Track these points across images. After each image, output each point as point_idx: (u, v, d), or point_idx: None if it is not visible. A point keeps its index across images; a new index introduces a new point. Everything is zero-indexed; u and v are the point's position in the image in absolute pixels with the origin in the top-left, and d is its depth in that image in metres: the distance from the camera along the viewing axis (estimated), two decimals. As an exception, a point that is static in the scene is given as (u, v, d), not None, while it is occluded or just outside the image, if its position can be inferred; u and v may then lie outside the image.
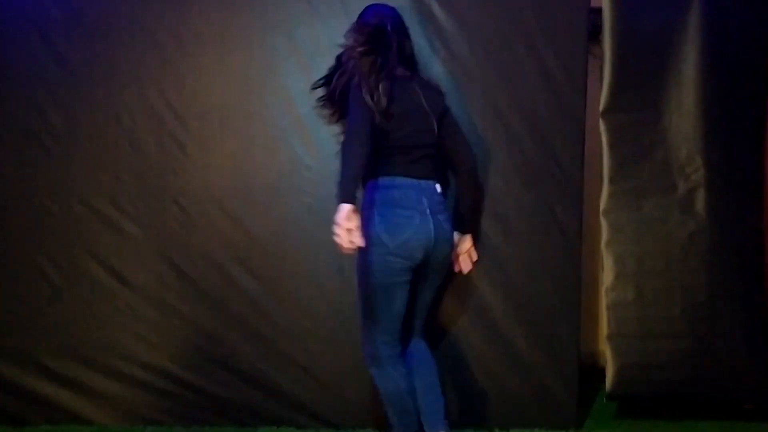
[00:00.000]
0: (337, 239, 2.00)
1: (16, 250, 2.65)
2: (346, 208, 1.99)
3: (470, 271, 2.51)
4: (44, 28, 2.62)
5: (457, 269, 2.49)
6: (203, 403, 2.68)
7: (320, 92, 2.42)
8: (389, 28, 2.25)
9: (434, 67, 2.64)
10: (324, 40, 2.59)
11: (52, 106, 2.64)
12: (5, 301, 2.65)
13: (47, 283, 2.66)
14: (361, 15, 2.33)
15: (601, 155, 2.74)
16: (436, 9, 2.64)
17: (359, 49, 2.17)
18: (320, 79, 2.38)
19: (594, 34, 2.76)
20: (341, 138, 2.25)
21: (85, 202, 2.65)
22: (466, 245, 2.48)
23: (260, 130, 2.65)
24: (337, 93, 2.25)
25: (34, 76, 2.62)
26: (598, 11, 2.73)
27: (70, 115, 2.64)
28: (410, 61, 2.33)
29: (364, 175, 2.16)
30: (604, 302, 2.76)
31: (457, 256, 2.46)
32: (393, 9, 2.34)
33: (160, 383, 2.68)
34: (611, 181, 2.74)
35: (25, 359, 2.65)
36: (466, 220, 2.47)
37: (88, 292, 2.67)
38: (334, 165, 2.64)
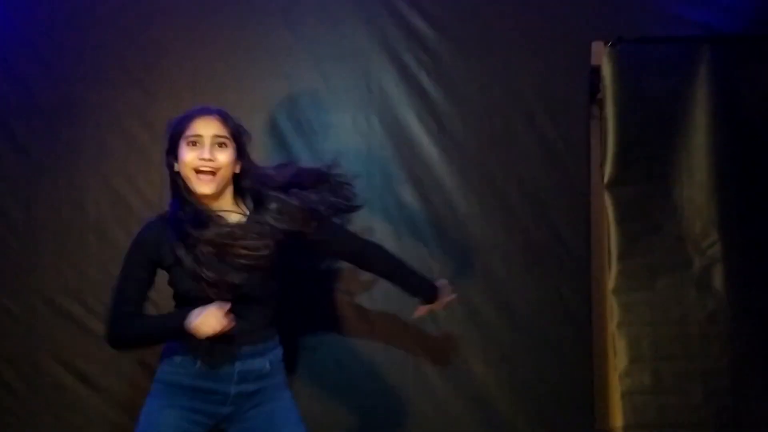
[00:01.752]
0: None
1: (-28, 355, 2.44)
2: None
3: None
4: (2, 115, 2.45)
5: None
6: None
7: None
8: None
9: (426, 145, 2.47)
10: (307, 120, 2.47)
11: (11, 200, 2.48)
12: (-39, 412, 2.43)
13: (6, 391, 2.47)
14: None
15: (608, 231, 2.56)
16: (426, 83, 2.49)
17: None
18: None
19: (594, 94, 2.60)
20: None
21: (49, 301, 2.47)
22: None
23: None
24: None
25: (-9, 168, 2.45)
26: (599, 70, 2.57)
27: (31, 209, 2.47)
28: None
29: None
30: (618, 389, 2.55)
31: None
32: None
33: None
34: (620, 257, 2.54)
35: (-15, 478, 2.44)
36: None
37: (52, 400, 2.47)
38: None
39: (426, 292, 2.10)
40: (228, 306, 1.74)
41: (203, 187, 1.80)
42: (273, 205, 1.87)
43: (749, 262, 2.53)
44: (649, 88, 2.55)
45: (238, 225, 1.83)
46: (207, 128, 1.81)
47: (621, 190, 2.54)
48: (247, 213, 1.88)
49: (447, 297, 2.13)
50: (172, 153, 1.85)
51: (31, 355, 2.46)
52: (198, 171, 1.79)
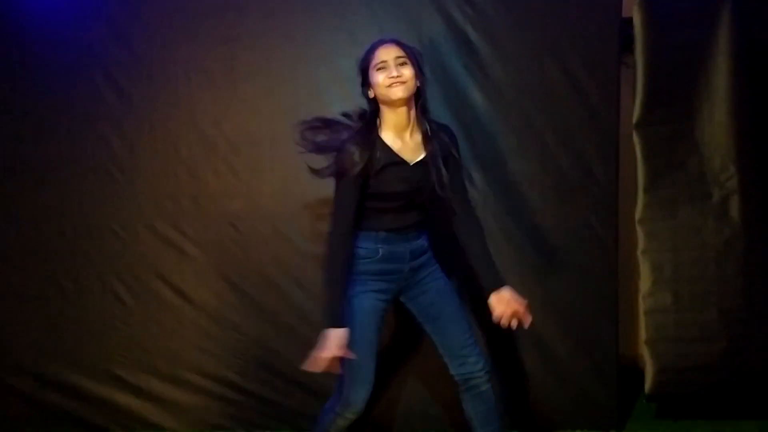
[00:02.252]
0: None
1: (90, 272, 2.88)
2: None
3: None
4: (109, 68, 2.83)
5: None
6: (262, 409, 2.89)
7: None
8: None
9: (471, 90, 2.77)
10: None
11: (117, 140, 2.85)
12: (82, 318, 2.89)
13: (117, 301, 2.89)
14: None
15: (635, 165, 2.83)
16: (471, 34, 2.76)
17: None
18: None
19: (627, 44, 2.84)
20: None
21: (150, 227, 2.87)
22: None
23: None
24: None
25: (100, 113, 2.84)
26: (630, 21, 2.81)
27: (133, 147, 2.85)
28: None
29: None
30: (641, 308, 2.86)
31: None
32: None
33: (223, 391, 2.90)
34: (646, 190, 2.83)
35: (100, 371, 2.90)
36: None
37: (154, 309, 2.89)
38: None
39: (493, 283, 2.25)
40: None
41: (397, 92, 2.13)
42: (444, 132, 2.28)
43: (763, 193, 2.78)
44: (676, 37, 2.78)
45: (416, 168, 2.21)
46: (389, 53, 2.16)
47: (648, 130, 2.81)
48: (426, 128, 2.23)
49: (518, 303, 2.23)
50: (366, 83, 2.21)
51: (136, 272, 2.88)
52: (390, 86, 2.14)
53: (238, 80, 2.82)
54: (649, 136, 2.81)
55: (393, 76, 2.13)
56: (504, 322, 2.21)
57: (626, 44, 2.83)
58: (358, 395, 2.18)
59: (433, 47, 2.76)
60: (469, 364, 2.25)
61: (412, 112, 2.22)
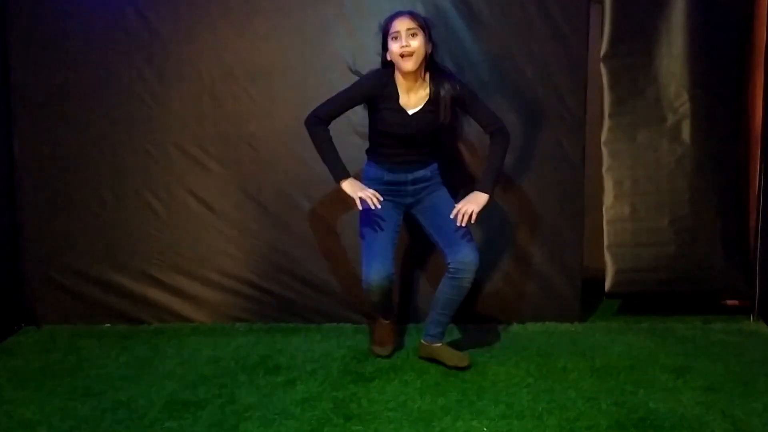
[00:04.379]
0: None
1: (127, 186, 3.30)
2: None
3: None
4: (138, 4, 3.19)
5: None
6: (277, 305, 3.34)
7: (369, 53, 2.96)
8: None
9: (458, 25, 3.15)
10: (368, 6, 3.15)
11: (147, 69, 3.22)
12: (121, 226, 3.31)
13: (151, 211, 3.31)
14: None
15: (601, 95, 3.23)
16: (459, -24, 3.14)
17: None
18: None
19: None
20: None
21: (178, 146, 3.27)
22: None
23: (315, 83, 3.19)
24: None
25: (132, 44, 3.21)
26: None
27: (162, 75, 3.23)
28: None
29: None
30: (604, 219, 3.30)
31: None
32: None
33: (242, 289, 3.35)
34: (610, 116, 3.23)
35: (137, 271, 3.34)
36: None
37: (183, 218, 3.31)
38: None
39: (477, 184, 2.72)
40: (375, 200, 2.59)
41: (407, 65, 2.60)
42: (446, 85, 2.69)
43: (711, 117, 3.19)
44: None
45: (414, 117, 2.68)
46: (402, 24, 2.60)
47: (613, 62, 3.20)
48: (430, 90, 2.69)
49: (466, 207, 2.64)
50: (384, 47, 2.67)
51: (167, 187, 3.29)
52: (401, 55, 2.59)
53: (254, 16, 3.19)
54: (614, 67, 3.21)
55: (403, 46, 2.58)
56: (455, 213, 2.64)
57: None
58: (371, 270, 2.62)
59: (426, -13, 3.14)
60: (462, 253, 2.65)
61: (420, 74, 2.68)
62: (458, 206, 2.66)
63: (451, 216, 2.66)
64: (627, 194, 3.26)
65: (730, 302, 3.45)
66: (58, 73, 3.24)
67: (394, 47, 2.61)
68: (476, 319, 3.27)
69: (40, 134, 3.27)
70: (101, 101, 3.25)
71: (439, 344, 2.79)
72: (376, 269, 2.61)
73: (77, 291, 3.34)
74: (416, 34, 2.60)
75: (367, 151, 2.85)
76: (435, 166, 2.84)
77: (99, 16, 3.21)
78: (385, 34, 2.65)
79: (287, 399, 2.47)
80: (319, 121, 2.68)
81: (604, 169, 3.27)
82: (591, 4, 3.18)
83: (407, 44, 2.58)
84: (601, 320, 3.35)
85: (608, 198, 3.28)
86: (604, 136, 3.26)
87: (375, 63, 3.14)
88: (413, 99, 2.69)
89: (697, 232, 3.23)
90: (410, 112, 2.69)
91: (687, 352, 2.86)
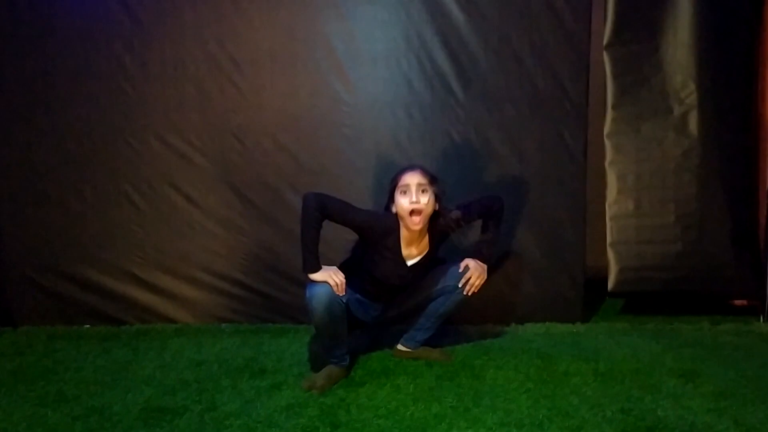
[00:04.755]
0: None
1: (107, 180, 3.15)
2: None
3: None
4: (117, -12, 3.06)
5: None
6: (265, 304, 3.20)
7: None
8: None
9: (455, 13, 3.00)
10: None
11: (129, 58, 3.08)
12: (100, 222, 3.17)
13: (133, 207, 3.17)
14: None
15: (604, 85, 3.09)
16: (455, -41, 3.00)
17: None
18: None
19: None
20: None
21: (161, 138, 3.13)
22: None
23: (304, 73, 3.06)
24: None
25: (113, 33, 3.07)
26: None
27: (143, 64, 3.09)
28: None
29: None
30: (607, 215, 3.15)
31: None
32: None
33: (229, 288, 3.20)
34: (614, 107, 3.09)
35: (118, 270, 3.19)
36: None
37: (166, 213, 3.17)
38: (369, 102, 3.06)
39: (475, 254, 2.64)
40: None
41: (415, 225, 2.47)
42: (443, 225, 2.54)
43: (720, 108, 3.05)
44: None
45: (412, 268, 2.56)
46: (413, 178, 2.47)
47: (617, 50, 3.06)
48: (430, 241, 2.57)
49: (474, 276, 2.58)
50: (391, 198, 2.52)
51: (149, 181, 3.15)
52: (411, 212, 2.45)
53: (241, 1, 3.05)
54: (618, 55, 3.06)
55: (413, 201, 2.44)
56: (464, 282, 2.57)
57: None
58: (314, 288, 2.37)
59: (420, -29, 2.99)
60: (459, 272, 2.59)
61: (424, 230, 2.53)
62: (467, 276, 2.57)
63: (460, 285, 2.58)
64: (631, 189, 3.12)
65: (738, 302, 3.30)
66: (34, 63, 3.10)
67: (404, 202, 2.47)
68: (472, 320, 3.12)
69: (15, 126, 3.13)
70: (79, 91, 3.11)
71: (421, 348, 2.74)
72: (324, 288, 2.36)
73: (55, 290, 3.20)
74: (426, 191, 2.48)
75: (350, 273, 2.51)
76: None
77: (77, 3, 3.06)
78: (394, 186, 2.51)
79: (271, 405, 2.32)
80: (319, 208, 2.41)
81: (607, 162, 3.13)
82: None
83: (417, 200, 2.45)
84: (603, 321, 3.21)
85: (611, 193, 3.14)
86: (607, 128, 3.11)
87: (367, 53, 3.02)
88: (414, 251, 2.58)
89: (704, 229, 3.08)
90: (409, 263, 2.57)
91: (695, 356, 2.71)
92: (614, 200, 3.14)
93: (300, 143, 3.11)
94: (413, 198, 2.45)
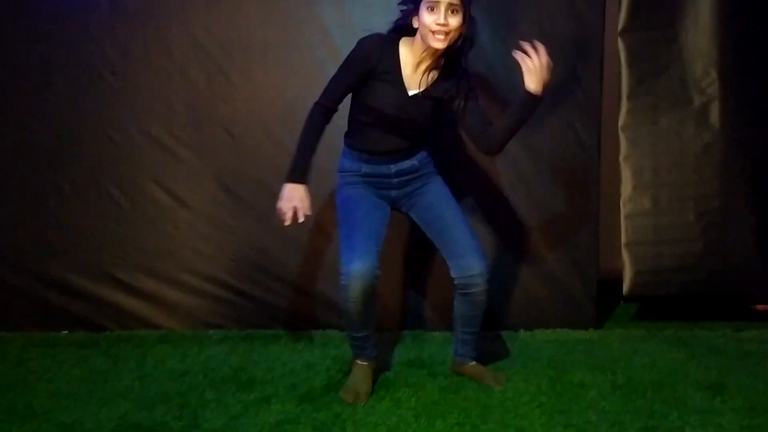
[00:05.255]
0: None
1: (86, 176, 2.94)
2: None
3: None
4: (99, -28, 2.85)
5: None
6: (256, 309, 2.99)
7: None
8: None
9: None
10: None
11: (109, 44, 2.87)
12: (79, 221, 2.95)
13: (114, 205, 2.95)
14: None
15: (618, 74, 2.89)
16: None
17: None
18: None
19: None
20: None
21: (144, 131, 2.92)
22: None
23: (298, 61, 2.86)
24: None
25: (92, 17, 2.86)
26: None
27: (126, 52, 2.88)
28: None
29: None
30: (621, 213, 2.95)
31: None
32: None
33: (218, 291, 2.99)
34: (629, 97, 2.89)
35: (98, 272, 2.98)
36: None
37: (150, 212, 2.96)
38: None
39: (525, 100, 2.27)
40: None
41: (437, 44, 2.16)
42: (460, 80, 2.29)
43: (743, 99, 2.86)
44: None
45: (413, 99, 2.26)
46: None
47: (632, 36, 2.86)
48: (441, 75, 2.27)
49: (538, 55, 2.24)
50: (413, 11, 2.18)
51: (131, 176, 2.93)
52: (434, 32, 2.15)
53: (230, -14, 2.85)
54: (634, 42, 2.86)
55: (441, 23, 2.14)
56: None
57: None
58: (352, 263, 2.17)
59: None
60: (466, 265, 2.29)
61: (440, 55, 2.25)
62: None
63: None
64: (647, 185, 2.92)
65: (761, 307, 3.10)
66: (10, 50, 2.89)
67: (428, 19, 2.16)
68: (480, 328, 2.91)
69: (-14, 119, 2.92)
70: (58, 81, 2.90)
71: (472, 363, 2.47)
72: (359, 262, 2.17)
73: (31, 294, 2.98)
74: (456, 11, 2.17)
75: (345, 135, 2.42)
76: (424, 154, 2.42)
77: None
78: (418, 1, 2.19)
79: (259, 421, 2.11)
80: (324, 111, 2.27)
81: (621, 156, 2.93)
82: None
83: (446, 22, 2.15)
84: (618, 327, 3.00)
85: (626, 189, 2.94)
86: (621, 120, 2.91)
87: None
88: (418, 78, 2.26)
89: (726, 228, 2.88)
90: (410, 92, 2.28)
91: (720, 365, 2.51)
92: (629, 197, 2.94)
93: (294, 136, 2.83)
94: (441, 19, 2.14)
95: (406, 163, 2.37)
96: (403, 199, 2.42)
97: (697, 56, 2.84)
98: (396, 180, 2.38)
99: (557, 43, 2.81)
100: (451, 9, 2.16)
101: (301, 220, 2.22)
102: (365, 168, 2.36)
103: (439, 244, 2.38)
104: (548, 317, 2.96)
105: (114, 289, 2.99)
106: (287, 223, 2.21)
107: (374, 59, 2.24)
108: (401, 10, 2.26)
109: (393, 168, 2.36)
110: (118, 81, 2.90)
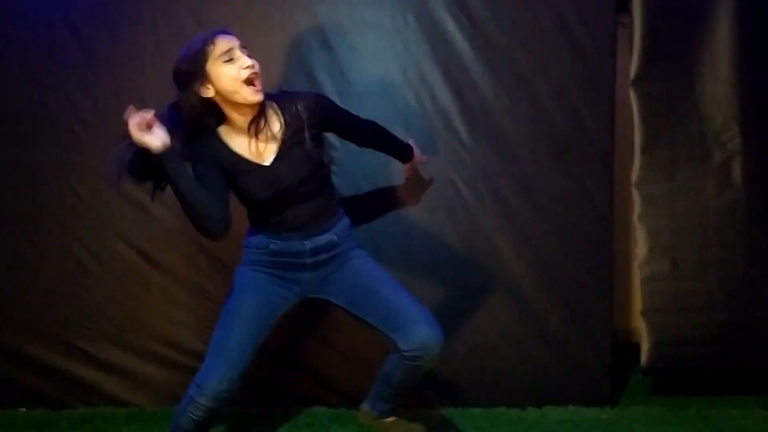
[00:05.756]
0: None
1: (49, 236, 2.70)
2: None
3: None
4: (68, 14, 2.63)
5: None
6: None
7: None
8: None
9: (459, 43, 2.60)
10: (343, 17, 2.60)
11: (78, 93, 2.66)
12: (40, 285, 2.71)
13: (79, 267, 2.71)
14: None
15: (632, 126, 2.68)
16: (459, -20, 2.60)
17: None
18: None
19: (622, 2, 2.68)
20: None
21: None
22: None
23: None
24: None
25: (61, 63, 2.64)
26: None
27: (96, 100, 2.66)
28: None
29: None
30: (637, 277, 2.71)
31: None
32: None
33: (194, 364, 2.67)
34: (643, 151, 2.67)
35: (60, 343, 2.72)
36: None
37: (119, 275, 2.71)
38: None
39: (407, 154, 2.44)
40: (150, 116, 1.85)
41: (256, 96, 1.90)
42: (299, 103, 2.01)
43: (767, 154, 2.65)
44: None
45: (274, 167, 1.98)
46: (232, 41, 1.91)
47: (646, 86, 2.65)
48: (279, 115, 2.00)
49: (420, 156, 2.48)
50: (200, 78, 1.90)
51: (98, 235, 2.69)
52: (248, 82, 1.88)
53: (209, 28, 2.61)
54: (647, 92, 2.65)
55: (249, 65, 1.88)
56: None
57: (624, 3, 2.67)
58: (213, 375, 1.93)
59: (419, -4, 2.60)
60: (419, 334, 1.99)
61: (265, 105, 1.97)
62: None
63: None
64: (666, 247, 2.67)
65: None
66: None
67: (233, 72, 1.88)
68: (478, 401, 2.66)
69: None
70: (21, 132, 2.68)
71: (392, 418, 2.30)
72: (218, 382, 1.92)
73: (-16, 367, 2.70)
74: (244, 48, 1.93)
75: (248, 217, 2.14)
76: (343, 224, 2.13)
77: (22, 31, 2.65)
78: (203, 59, 1.89)
79: None
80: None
81: (636, 215, 2.69)
82: (619, 15, 2.65)
83: (251, 63, 1.90)
84: (635, 404, 2.72)
85: (642, 251, 2.69)
86: (635, 176, 2.68)
87: (357, 87, 2.61)
88: (262, 143, 1.97)
89: (752, 295, 2.63)
90: (267, 162, 1.98)
91: (752, 451, 2.24)
92: (646, 260, 2.69)
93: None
94: (247, 61, 1.89)
95: (323, 238, 2.07)
96: (320, 283, 2.12)
97: (717, 108, 2.63)
98: (310, 260, 2.07)
99: (564, 93, 2.65)
100: (242, 48, 1.93)
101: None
102: (273, 245, 2.05)
103: (375, 322, 2.06)
104: (558, 392, 2.69)
105: (77, 361, 2.73)
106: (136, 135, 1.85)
107: (211, 155, 1.96)
108: (181, 94, 1.96)
109: (308, 244, 2.05)
110: (87, 132, 2.68)
